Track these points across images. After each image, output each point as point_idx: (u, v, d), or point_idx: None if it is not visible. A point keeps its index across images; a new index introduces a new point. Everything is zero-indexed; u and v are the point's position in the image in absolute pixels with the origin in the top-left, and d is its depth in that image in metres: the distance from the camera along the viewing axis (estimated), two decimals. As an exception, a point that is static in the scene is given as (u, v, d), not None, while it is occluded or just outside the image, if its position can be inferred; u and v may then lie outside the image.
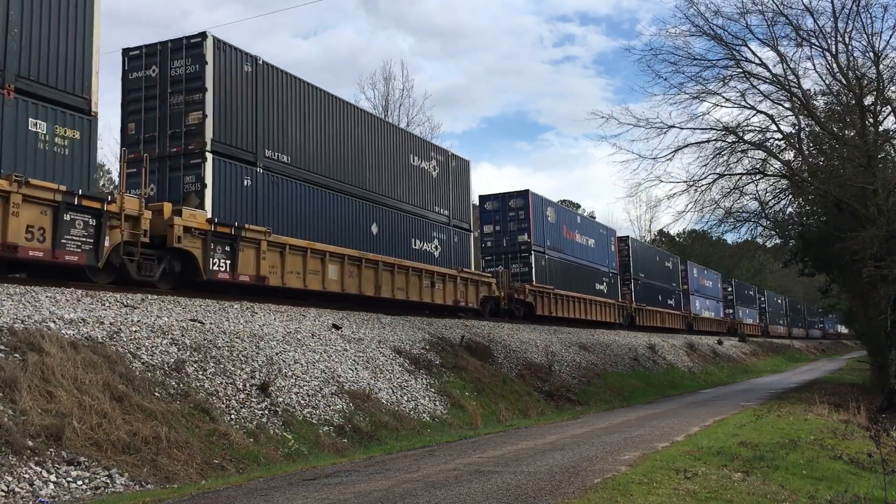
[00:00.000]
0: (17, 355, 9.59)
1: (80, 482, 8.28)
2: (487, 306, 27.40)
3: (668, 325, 47.04)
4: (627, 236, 44.07)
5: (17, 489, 7.71)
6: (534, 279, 30.60)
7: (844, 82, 22.49)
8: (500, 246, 31.50)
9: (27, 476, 7.94)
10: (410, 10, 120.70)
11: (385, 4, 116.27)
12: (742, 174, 24.00)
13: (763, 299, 76.32)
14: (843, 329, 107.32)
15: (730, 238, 40.46)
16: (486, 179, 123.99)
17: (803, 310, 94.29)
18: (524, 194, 31.62)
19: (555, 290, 31.91)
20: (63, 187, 12.85)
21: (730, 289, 66.15)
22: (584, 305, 35.01)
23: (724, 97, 23.30)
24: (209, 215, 16.05)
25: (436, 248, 24.94)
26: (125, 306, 12.97)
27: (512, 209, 31.35)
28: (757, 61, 22.87)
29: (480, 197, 32.85)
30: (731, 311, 64.92)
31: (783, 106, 23.36)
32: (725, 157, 23.36)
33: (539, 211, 32.17)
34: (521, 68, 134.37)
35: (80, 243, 13.14)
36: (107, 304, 12.71)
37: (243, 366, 12.95)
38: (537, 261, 31.26)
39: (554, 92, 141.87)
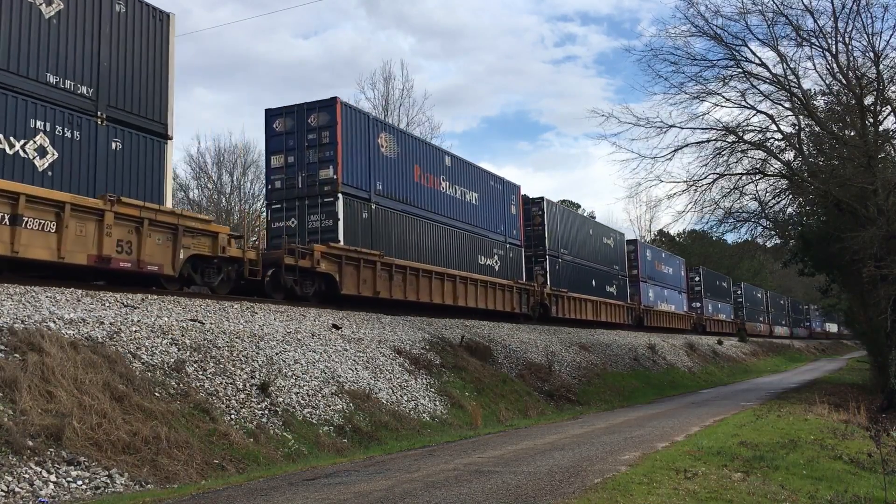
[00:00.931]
0: (17, 355, 9.59)
1: (80, 482, 8.28)
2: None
3: (602, 319, 37.00)
4: (543, 197, 34.21)
5: (17, 489, 7.71)
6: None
7: (844, 82, 22.49)
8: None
9: (27, 476, 7.95)
10: (411, 9, 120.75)
11: (385, 4, 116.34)
12: (742, 174, 24.01)
13: (739, 292, 68.18)
14: (831, 327, 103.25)
15: (730, 238, 40.45)
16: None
17: (787, 306, 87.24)
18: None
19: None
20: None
21: (697, 278, 58.24)
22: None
23: (724, 97, 23.32)
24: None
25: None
26: (125, 306, 12.97)
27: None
28: (757, 61, 22.89)
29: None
30: (697, 304, 56.85)
31: (783, 106, 23.38)
32: (725, 157, 23.37)
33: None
34: (521, 68, 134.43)
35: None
36: (107, 304, 12.71)
37: (243, 366, 12.95)
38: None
39: (554, 92, 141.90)
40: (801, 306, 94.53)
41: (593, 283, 37.60)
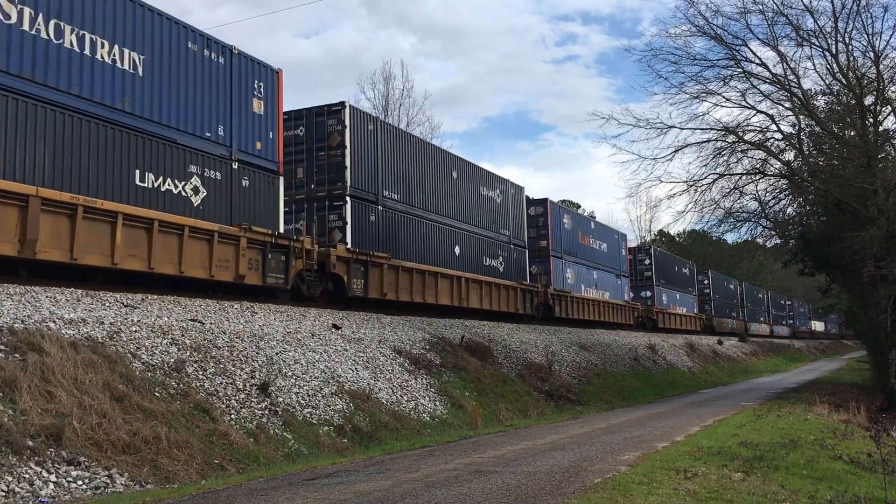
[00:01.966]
0: (17, 355, 9.59)
1: (80, 482, 8.28)
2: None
3: (487, 307, 26.44)
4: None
5: (17, 489, 7.71)
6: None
7: (844, 82, 22.49)
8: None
9: (27, 476, 7.94)
10: (412, 9, 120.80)
11: (386, 3, 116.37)
12: (742, 174, 24.03)
13: (706, 282, 57.59)
14: (817, 325, 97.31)
15: (730, 238, 40.35)
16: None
17: (767, 300, 76.63)
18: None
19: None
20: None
21: (647, 261, 45.97)
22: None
23: (724, 97, 23.34)
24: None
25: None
26: (125, 306, 12.97)
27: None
28: (757, 61, 22.91)
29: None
30: (648, 293, 45.49)
31: (783, 106, 23.39)
32: (725, 158, 23.39)
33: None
34: (522, 68, 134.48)
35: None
36: (107, 304, 12.70)
37: (243, 366, 12.95)
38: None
39: (555, 91, 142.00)
40: (784, 301, 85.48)
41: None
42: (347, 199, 20.55)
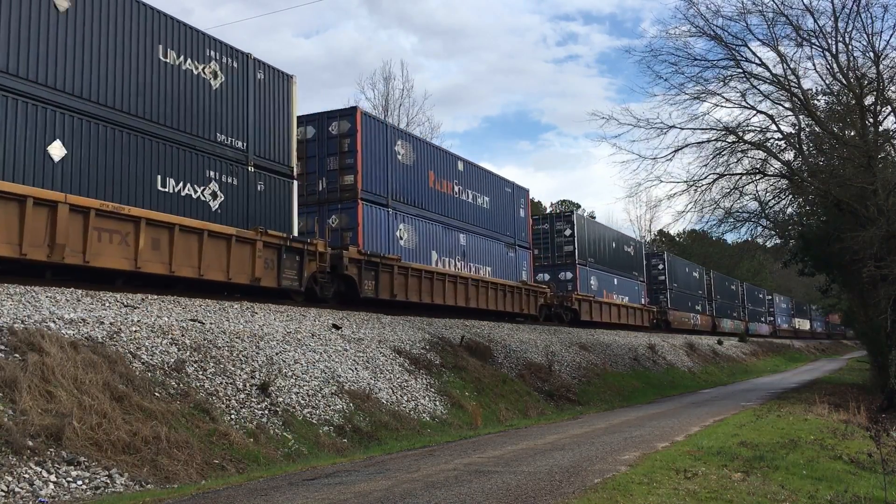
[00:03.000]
0: (17, 355, 9.59)
1: (80, 482, 8.28)
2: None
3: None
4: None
5: (17, 489, 7.71)
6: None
7: (844, 82, 22.49)
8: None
9: (27, 476, 7.94)
10: (413, 8, 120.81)
11: (387, 3, 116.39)
12: (742, 174, 24.02)
13: (661, 266, 48.41)
14: (801, 324, 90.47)
15: (730, 238, 40.41)
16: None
17: (742, 293, 66.80)
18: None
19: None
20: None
21: (568, 231, 35.45)
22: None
23: (724, 97, 23.33)
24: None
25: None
26: (125, 306, 12.97)
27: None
28: (757, 61, 22.90)
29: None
30: (567, 275, 34.94)
31: (783, 106, 23.39)
32: (725, 158, 23.38)
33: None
34: (523, 67, 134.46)
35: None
36: (107, 304, 12.70)
37: (243, 366, 12.95)
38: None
39: (556, 91, 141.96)
40: (763, 296, 75.68)
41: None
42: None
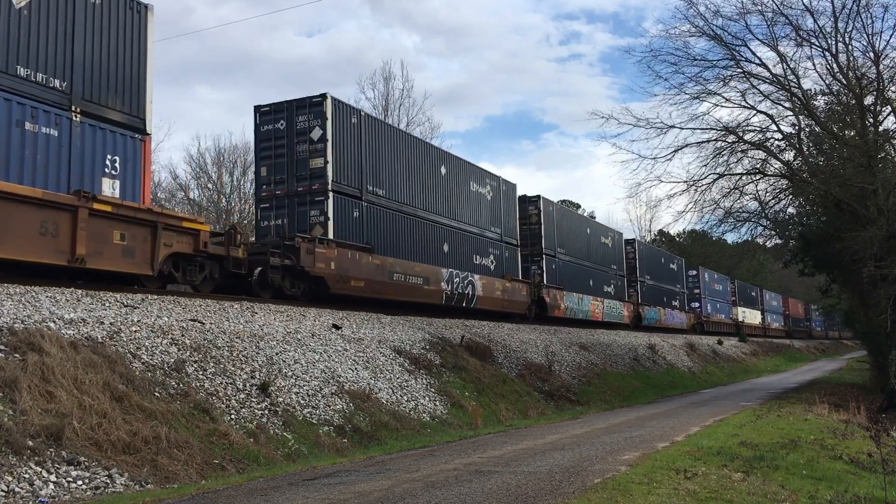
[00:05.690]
0: (17, 355, 9.59)
1: (80, 482, 8.28)
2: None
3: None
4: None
5: (17, 489, 7.71)
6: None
7: (844, 82, 22.49)
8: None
9: (27, 476, 7.94)
10: (415, 7, 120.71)
11: (389, 2, 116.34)
12: (742, 174, 24.04)
13: (630, 250, 44.00)
14: (747, 315, 68.50)
15: (730, 238, 40.30)
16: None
17: (729, 292, 62.06)
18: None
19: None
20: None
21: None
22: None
23: (724, 97, 23.34)
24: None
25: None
26: (125, 306, 12.96)
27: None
28: (757, 61, 22.91)
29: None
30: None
31: (783, 106, 23.39)
32: (725, 157, 23.39)
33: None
34: (525, 66, 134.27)
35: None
36: (107, 304, 12.70)
37: (243, 366, 12.95)
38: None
39: (558, 90, 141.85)
40: (750, 293, 69.88)
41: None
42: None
